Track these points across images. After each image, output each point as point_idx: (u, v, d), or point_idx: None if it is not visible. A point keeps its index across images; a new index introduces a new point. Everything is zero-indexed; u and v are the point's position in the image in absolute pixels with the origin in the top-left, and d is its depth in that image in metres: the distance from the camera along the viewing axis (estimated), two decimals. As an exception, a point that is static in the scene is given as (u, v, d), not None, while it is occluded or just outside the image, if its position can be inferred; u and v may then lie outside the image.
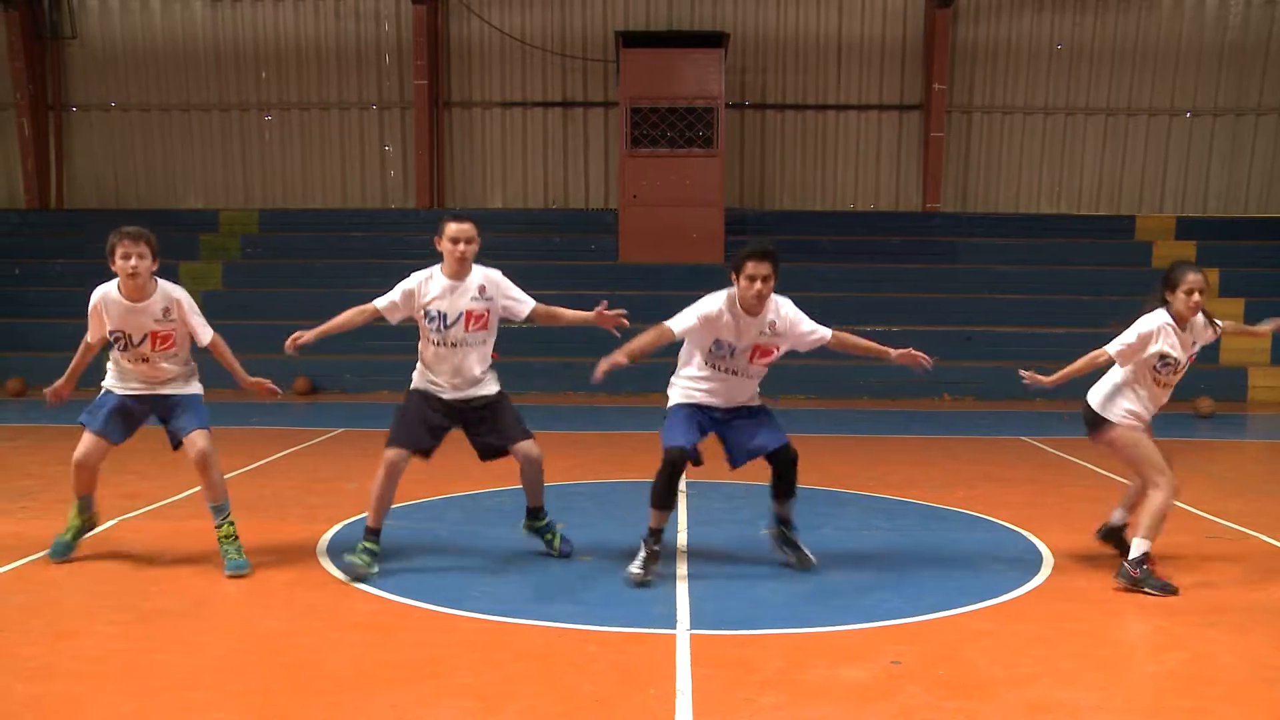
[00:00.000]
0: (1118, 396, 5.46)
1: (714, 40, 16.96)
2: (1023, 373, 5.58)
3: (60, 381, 5.57)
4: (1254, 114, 18.62)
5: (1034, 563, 5.81)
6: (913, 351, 5.43)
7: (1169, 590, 5.12)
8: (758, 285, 5.19)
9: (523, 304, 5.68)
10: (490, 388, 5.62)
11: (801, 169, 19.05)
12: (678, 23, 18.33)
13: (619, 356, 5.06)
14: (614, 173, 18.45)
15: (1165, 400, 5.59)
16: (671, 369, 5.63)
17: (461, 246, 5.44)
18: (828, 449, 10.03)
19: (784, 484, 5.53)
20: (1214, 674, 4.13)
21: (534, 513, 5.83)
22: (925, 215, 18.43)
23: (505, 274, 5.71)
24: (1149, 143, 18.72)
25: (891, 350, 5.45)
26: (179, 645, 4.32)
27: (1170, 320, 5.36)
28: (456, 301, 5.47)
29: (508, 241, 17.52)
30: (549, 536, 5.81)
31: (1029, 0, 18.40)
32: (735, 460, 5.51)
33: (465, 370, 5.51)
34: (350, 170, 19.28)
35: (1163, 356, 5.35)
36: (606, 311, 5.59)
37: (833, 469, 8.81)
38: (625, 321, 5.58)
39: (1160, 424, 5.64)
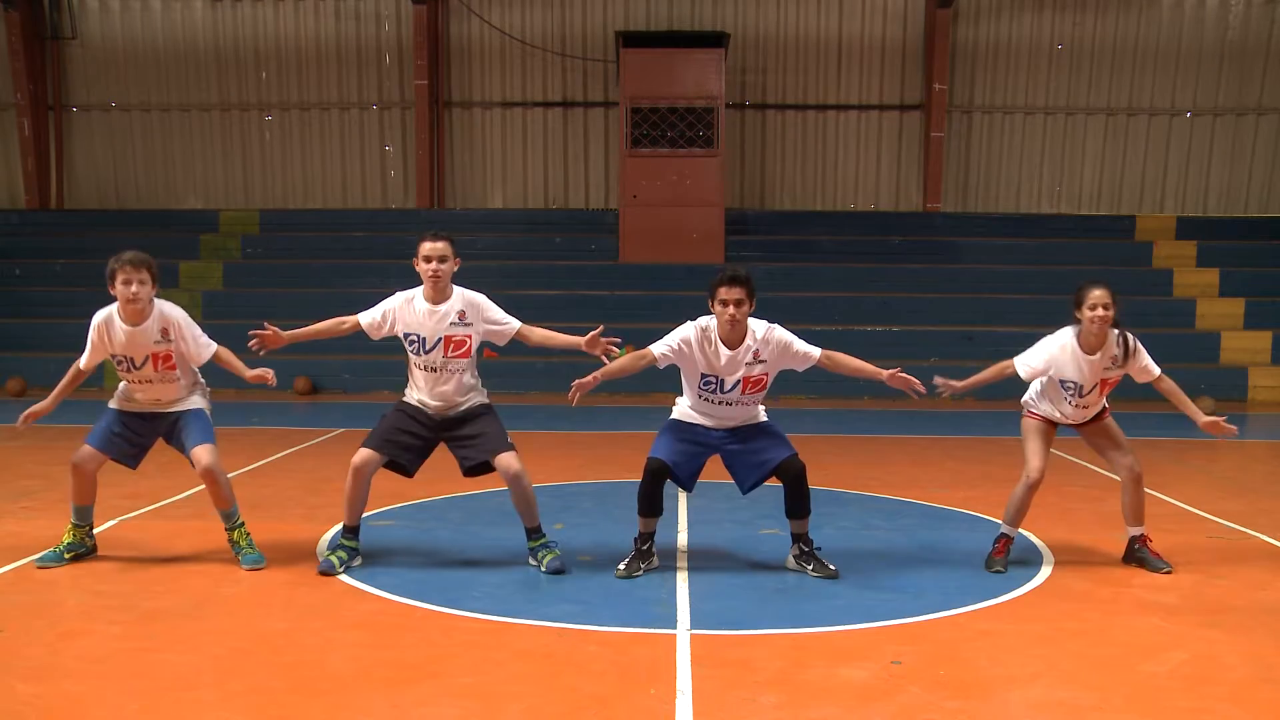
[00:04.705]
0: (1038, 393, 5.79)
1: (714, 40, 16.96)
2: (937, 379, 5.66)
3: (40, 404, 5.51)
4: (1254, 114, 18.62)
5: (1034, 563, 5.81)
6: (904, 374, 5.33)
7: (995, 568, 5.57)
8: (730, 310, 5.19)
9: (506, 328, 5.52)
10: (474, 400, 5.54)
11: (801, 169, 19.05)
12: (678, 23, 18.33)
13: (593, 378, 5.19)
14: (614, 173, 18.45)
15: (1081, 417, 5.68)
16: (667, 369, 5.63)
17: (434, 265, 5.35)
18: (828, 449, 10.02)
19: (795, 501, 5.43)
20: (1215, 674, 4.13)
21: (530, 534, 5.60)
22: (925, 215, 18.43)
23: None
24: (1149, 143, 18.72)
25: (883, 372, 5.35)
26: (180, 645, 4.32)
27: (1074, 343, 5.49)
28: (435, 327, 5.42)
29: (508, 241, 17.54)
30: (541, 555, 5.52)
31: (1029, 0, 18.41)
32: (744, 485, 5.52)
33: (446, 394, 5.49)
34: (350, 170, 19.28)
35: (1063, 381, 5.55)
36: (600, 338, 5.43)
37: (833, 469, 8.81)
38: (615, 350, 5.44)
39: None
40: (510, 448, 5.47)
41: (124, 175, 19.48)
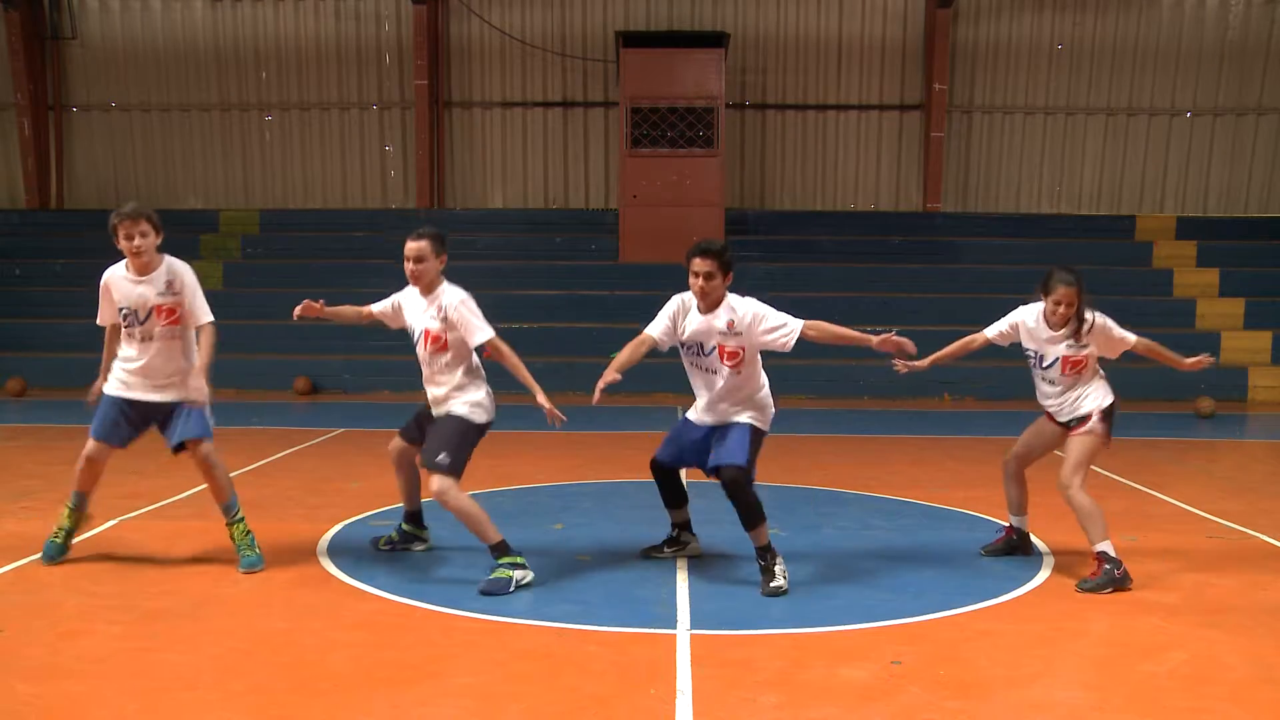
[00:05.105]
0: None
1: (714, 40, 16.96)
2: (896, 363, 5.63)
3: (98, 382, 5.57)
4: (1254, 114, 18.62)
5: (1034, 562, 5.81)
6: (894, 337, 5.28)
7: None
8: (700, 282, 5.24)
9: (474, 334, 5.30)
10: (447, 408, 5.40)
11: (801, 169, 19.05)
12: (678, 23, 18.33)
13: (611, 374, 5.23)
14: (614, 173, 18.45)
15: (1055, 400, 5.62)
16: (666, 370, 5.65)
17: (410, 265, 5.39)
18: (828, 449, 10.03)
19: (737, 512, 5.21)
20: (1215, 674, 4.13)
21: (491, 551, 5.27)
22: (925, 215, 18.43)
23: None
24: (1149, 143, 18.72)
25: (872, 338, 5.28)
26: (180, 645, 4.32)
27: (1037, 317, 5.55)
28: (420, 318, 5.47)
29: (508, 241, 17.54)
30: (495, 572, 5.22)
31: (1029, 0, 18.41)
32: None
33: (433, 389, 5.48)
34: (350, 170, 19.27)
35: (1024, 347, 5.65)
36: (551, 408, 5.28)
37: (833, 469, 8.82)
38: (559, 423, 5.27)
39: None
40: (439, 467, 5.16)
41: (124, 175, 19.48)
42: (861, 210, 18.95)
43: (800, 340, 5.26)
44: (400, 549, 5.90)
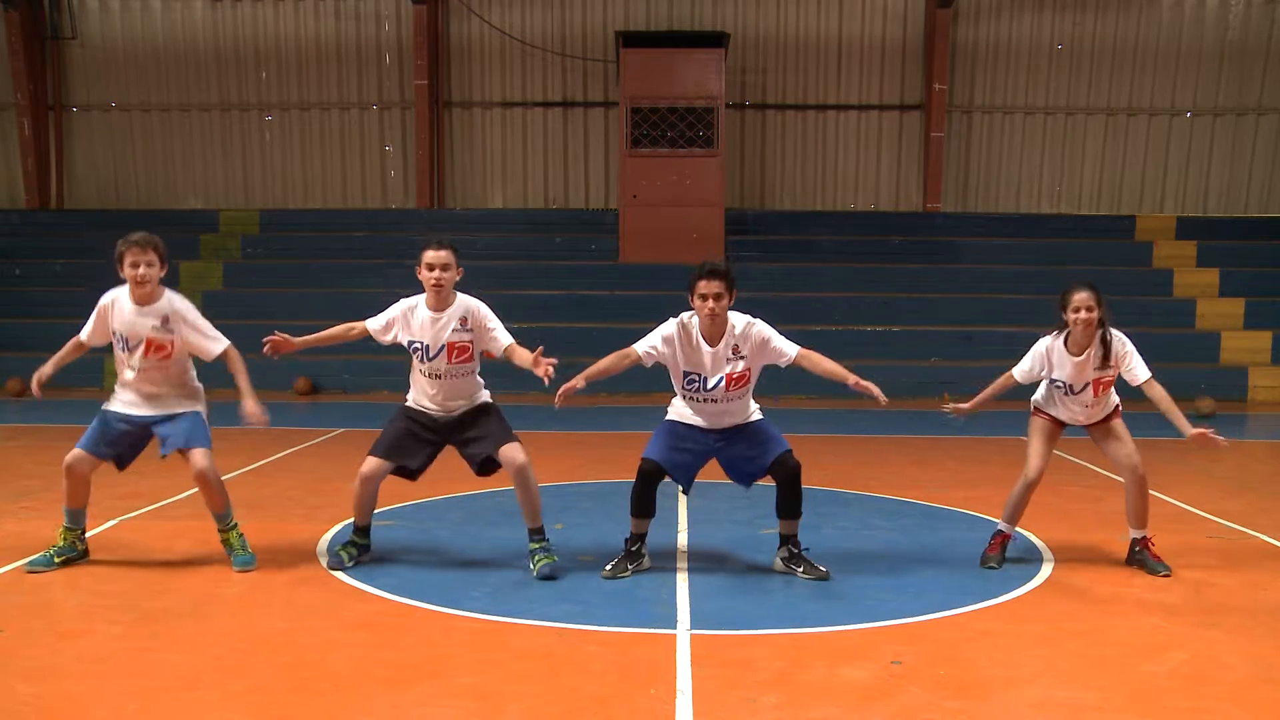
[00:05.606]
0: (1044, 394, 5.83)
1: (714, 40, 16.97)
2: (947, 406, 5.94)
3: (44, 367, 5.45)
4: (1254, 114, 18.63)
5: (1034, 563, 5.81)
6: (866, 382, 5.18)
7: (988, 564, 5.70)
8: (710, 304, 5.17)
9: (498, 340, 5.45)
10: (478, 400, 5.57)
11: (801, 169, 19.06)
12: (678, 23, 18.34)
13: (578, 380, 5.18)
14: (614, 173, 18.46)
15: (1086, 417, 5.69)
16: (665, 370, 5.62)
17: (436, 274, 5.34)
18: (828, 449, 10.02)
19: (787, 500, 5.39)
20: (1215, 674, 4.13)
21: (531, 534, 5.54)
22: (925, 215, 18.44)
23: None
24: (1149, 143, 18.73)
25: (850, 376, 5.24)
26: (180, 645, 4.32)
27: (1060, 345, 5.58)
28: (439, 334, 5.41)
29: (508, 241, 17.55)
30: (536, 559, 5.44)
31: (1029, 0, 18.41)
32: (744, 484, 5.55)
33: (450, 399, 5.50)
34: (350, 170, 19.28)
35: (1053, 379, 5.65)
36: (541, 358, 5.20)
37: (833, 469, 8.81)
38: (552, 372, 5.13)
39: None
40: (514, 440, 5.47)
41: (124, 175, 19.49)
42: (861, 210, 18.97)
43: (791, 365, 5.37)
44: (364, 556, 5.68)
